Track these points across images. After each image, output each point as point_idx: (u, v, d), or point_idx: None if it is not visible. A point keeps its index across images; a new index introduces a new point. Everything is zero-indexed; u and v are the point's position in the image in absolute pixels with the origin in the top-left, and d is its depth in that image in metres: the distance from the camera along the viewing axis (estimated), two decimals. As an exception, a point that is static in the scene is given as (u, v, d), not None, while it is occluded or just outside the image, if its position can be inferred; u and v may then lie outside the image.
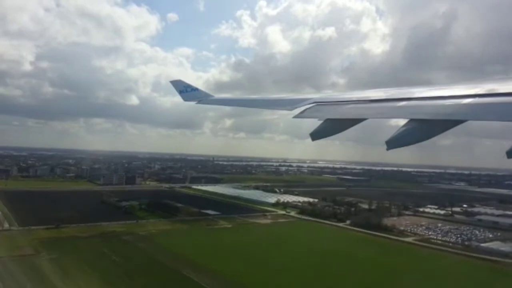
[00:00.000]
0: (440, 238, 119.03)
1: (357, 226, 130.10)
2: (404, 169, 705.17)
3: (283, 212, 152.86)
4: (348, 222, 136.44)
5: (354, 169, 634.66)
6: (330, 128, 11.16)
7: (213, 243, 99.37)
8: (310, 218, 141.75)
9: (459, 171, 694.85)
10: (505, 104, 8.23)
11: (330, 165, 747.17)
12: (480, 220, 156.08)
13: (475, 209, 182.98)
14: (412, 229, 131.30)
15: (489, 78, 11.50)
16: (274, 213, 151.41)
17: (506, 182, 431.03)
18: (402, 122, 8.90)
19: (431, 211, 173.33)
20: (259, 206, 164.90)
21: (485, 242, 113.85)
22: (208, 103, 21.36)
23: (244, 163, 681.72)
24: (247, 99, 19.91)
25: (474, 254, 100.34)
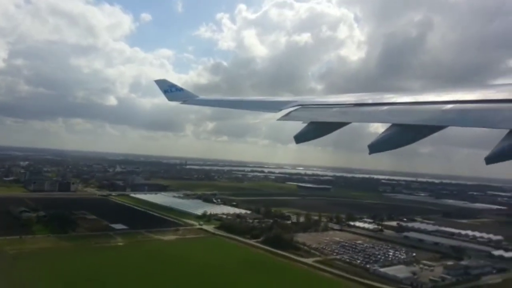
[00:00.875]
0: (344, 259, 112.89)
1: (267, 243, 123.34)
2: (377, 176, 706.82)
3: (200, 227, 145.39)
4: (261, 238, 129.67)
5: (326, 175, 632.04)
6: (314, 131, 11.39)
7: (75, 267, 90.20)
8: (223, 234, 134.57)
9: (432, 180, 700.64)
10: (484, 110, 8.25)
11: (303, 171, 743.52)
12: (406, 237, 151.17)
13: (411, 224, 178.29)
14: (324, 247, 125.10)
15: (469, 85, 10.80)
16: (190, 227, 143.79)
17: (469, 193, 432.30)
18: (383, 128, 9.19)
19: (363, 225, 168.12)
20: (181, 219, 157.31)
21: (388, 265, 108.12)
22: (193, 104, 21.48)
23: (216, 167, 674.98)
24: (232, 100, 19.50)
25: (363, 280, 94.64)
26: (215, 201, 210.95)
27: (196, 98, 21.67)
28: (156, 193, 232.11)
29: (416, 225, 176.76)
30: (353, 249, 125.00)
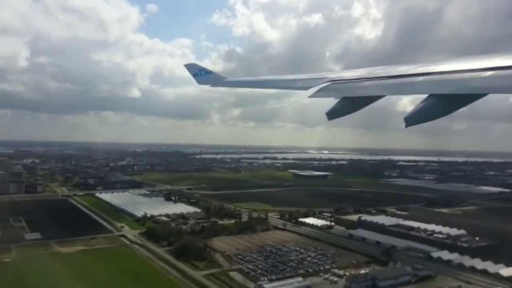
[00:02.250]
0: (243, 270, 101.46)
1: (174, 253, 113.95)
2: (399, 157, 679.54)
3: (120, 233, 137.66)
4: (173, 246, 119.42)
5: (342, 159, 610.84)
6: (347, 106, 11.24)
7: None
8: (141, 241, 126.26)
9: (457, 159, 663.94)
10: None
11: (322, 156, 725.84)
12: (350, 235, 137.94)
13: (374, 218, 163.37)
14: (238, 254, 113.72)
15: (506, 52, 9.91)
16: (110, 234, 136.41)
17: (485, 173, 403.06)
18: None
19: (313, 222, 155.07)
20: (115, 223, 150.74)
21: (283, 278, 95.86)
22: (222, 86, 21.81)
23: (231, 156, 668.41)
24: (261, 80, 19.57)
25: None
26: (173, 198, 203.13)
27: (225, 80, 21.99)
28: (124, 191, 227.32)
29: (378, 218, 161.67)
30: (268, 256, 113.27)
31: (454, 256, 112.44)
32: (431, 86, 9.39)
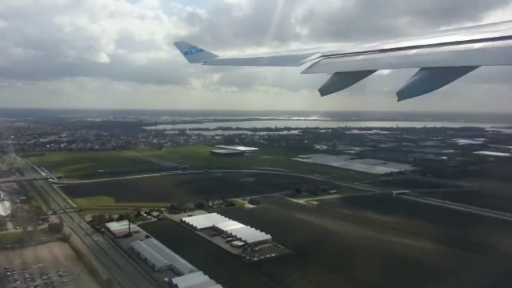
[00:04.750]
0: None
1: None
2: (368, 124, 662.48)
3: None
4: None
5: (298, 128, 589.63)
6: (340, 81, 11.40)
7: None
8: None
9: (423, 124, 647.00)
10: None
11: (283, 123, 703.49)
12: (132, 249, 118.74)
13: (191, 219, 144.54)
14: None
15: (492, 23, 10.18)
16: None
17: (427, 143, 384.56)
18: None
19: (116, 228, 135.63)
20: None
21: None
22: (214, 64, 22.21)
23: (191, 125, 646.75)
24: (253, 58, 19.49)
25: None
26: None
27: (217, 58, 22.22)
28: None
29: (197, 219, 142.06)
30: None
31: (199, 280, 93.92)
32: (423, 59, 9.19)
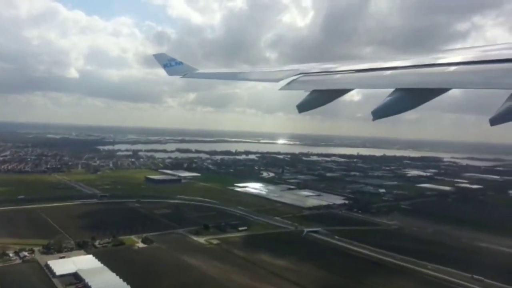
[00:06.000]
0: None
1: None
2: (324, 149, 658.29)
3: None
4: None
5: (257, 153, 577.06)
6: (317, 99, 11.35)
7: None
8: None
9: (384, 151, 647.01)
10: (488, 71, 7.94)
11: (247, 147, 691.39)
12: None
13: (58, 262, 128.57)
14: None
15: (466, 47, 10.56)
16: None
17: (370, 173, 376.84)
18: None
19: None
20: None
21: None
22: (193, 77, 22.06)
23: (149, 146, 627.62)
24: (233, 73, 19.57)
25: None
26: None
27: (196, 71, 22.05)
28: None
29: (65, 263, 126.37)
30: None
31: None
32: (398, 80, 9.34)
